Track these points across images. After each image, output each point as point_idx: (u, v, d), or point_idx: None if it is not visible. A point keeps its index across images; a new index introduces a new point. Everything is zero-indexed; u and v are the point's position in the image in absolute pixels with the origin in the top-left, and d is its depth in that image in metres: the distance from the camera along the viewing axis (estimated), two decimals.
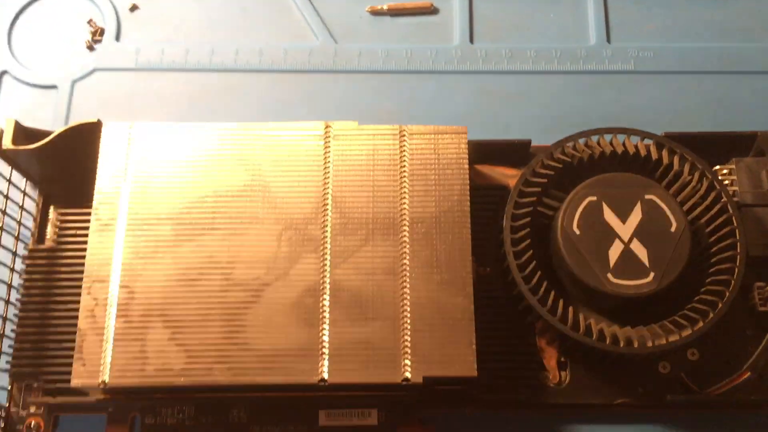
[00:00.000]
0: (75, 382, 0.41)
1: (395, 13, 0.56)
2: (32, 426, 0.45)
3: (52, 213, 0.49)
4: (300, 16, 0.56)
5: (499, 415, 0.46)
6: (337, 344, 0.42)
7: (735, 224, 0.44)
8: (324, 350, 0.42)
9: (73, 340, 0.43)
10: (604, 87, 0.54)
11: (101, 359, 0.41)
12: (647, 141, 0.47)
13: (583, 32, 0.56)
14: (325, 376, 0.41)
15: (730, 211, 0.45)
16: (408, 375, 0.41)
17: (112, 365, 0.41)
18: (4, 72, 0.54)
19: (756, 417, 0.46)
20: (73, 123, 0.46)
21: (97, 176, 0.45)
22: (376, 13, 0.56)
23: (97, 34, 0.55)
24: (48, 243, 0.48)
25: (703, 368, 0.45)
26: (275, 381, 0.41)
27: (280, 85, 0.55)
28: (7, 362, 0.45)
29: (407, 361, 0.42)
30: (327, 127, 0.46)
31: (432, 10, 0.56)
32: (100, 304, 0.42)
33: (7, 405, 0.45)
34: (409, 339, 0.42)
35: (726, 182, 0.48)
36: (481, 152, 0.49)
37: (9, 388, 0.46)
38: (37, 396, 0.45)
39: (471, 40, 0.55)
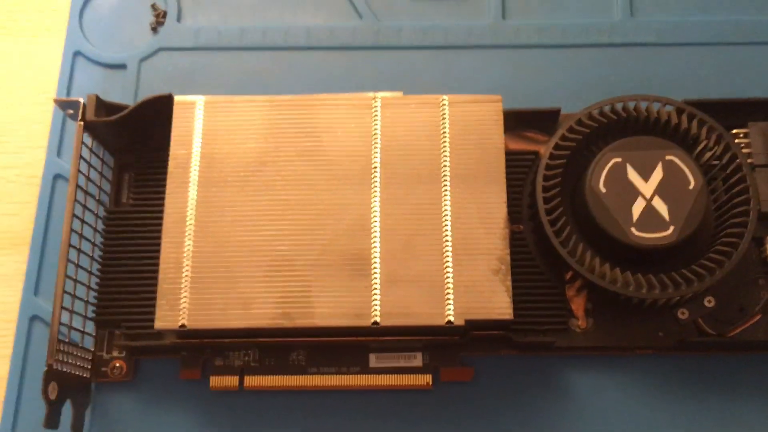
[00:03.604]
0: (158, 324, 0.47)
1: None
2: (116, 367, 0.51)
3: (127, 179, 0.55)
4: None
5: (530, 357, 0.51)
6: (387, 291, 0.47)
7: (748, 183, 0.48)
8: (376, 296, 0.47)
9: (149, 291, 0.49)
10: (629, 58, 0.58)
11: (180, 305, 0.47)
12: (668, 107, 0.51)
13: (609, 7, 0.59)
14: (378, 319, 0.46)
15: (744, 171, 0.49)
16: (451, 318, 0.46)
17: (189, 310, 0.47)
18: (78, 52, 0.60)
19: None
20: (147, 96, 0.52)
21: (171, 144, 0.50)
22: None
23: (161, 16, 0.60)
24: (124, 205, 0.54)
25: (718, 315, 0.49)
26: (332, 324, 0.46)
27: (327, 61, 0.59)
28: (92, 311, 0.51)
29: (450, 306, 0.46)
30: (374, 97, 0.51)
31: None
32: (178, 257, 0.48)
33: (93, 349, 0.51)
34: (451, 286, 0.47)
35: (742, 144, 0.52)
36: (515, 120, 0.54)
37: (94, 334, 0.52)
38: (120, 341, 0.51)
39: (503, 17, 0.60)
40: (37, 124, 0.59)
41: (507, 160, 0.52)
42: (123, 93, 0.58)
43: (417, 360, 0.51)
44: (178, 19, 0.61)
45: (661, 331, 0.50)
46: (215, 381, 0.50)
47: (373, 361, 0.51)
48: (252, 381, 0.50)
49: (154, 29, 0.60)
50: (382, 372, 0.50)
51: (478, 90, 0.57)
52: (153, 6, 0.61)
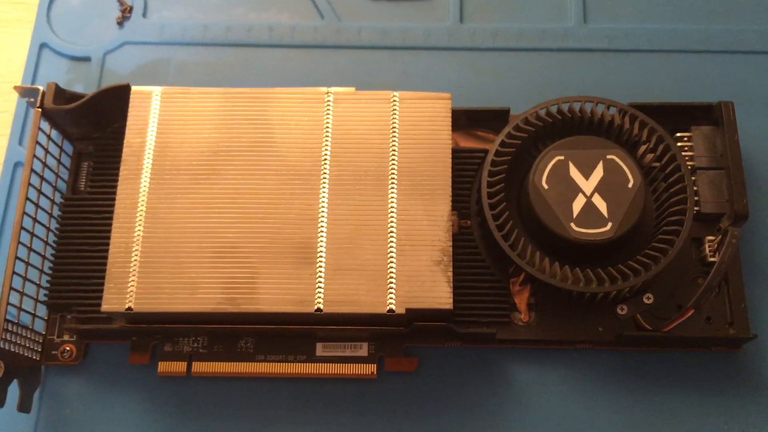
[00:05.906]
0: (105, 307, 0.48)
1: None
2: (66, 351, 0.52)
3: (85, 167, 0.56)
4: None
5: (473, 348, 0.52)
6: (331, 280, 0.48)
7: (685, 183, 0.50)
8: (320, 284, 0.48)
9: (101, 278, 0.49)
10: (581, 63, 0.59)
11: (127, 289, 0.48)
12: (612, 109, 0.52)
13: (563, 13, 0.61)
14: (321, 306, 0.47)
15: (682, 172, 0.50)
16: (393, 307, 0.47)
17: (136, 294, 0.48)
18: (44, 44, 0.61)
19: (704, 354, 0.51)
20: (105, 86, 0.53)
21: (126, 132, 0.51)
22: None
23: (127, 11, 0.62)
24: (82, 193, 0.55)
25: (658, 312, 0.51)
26: (276, 310, 0.47)
27: (288, 59, 0.61)
28: (44, 295, 0.52)
29: (392, 295, 0.48)
30: (327, 92, 0.52)
31: None
32: (127, 242, 0.49)
33: (44, 332, 0.52)
34: (394, 276, 0.48)
35: (686, 147, 0.54)
36: (467, 119, 0.55)
37: (46, 318, 0.52)
38: (71, 324, 0.52)
39: (461, 20, 0.61)
40: (2, 112, 0.60)
41: (458, 158, 0.53)
42: (87, 85, 0.60)
43: (362, 350, 0.52)
44: (144, 14, 0.62)
45: (601, 326, 0.51)
46: (163, 366, 0.51)
47: (320, 349, 0.52)
48: (200, 367, 0.51)
49: (120, 23, 0.62)
50: (328, 361, 0.51)
51: (434, 90, 0.59)
52: (119, 1, 0.62)
